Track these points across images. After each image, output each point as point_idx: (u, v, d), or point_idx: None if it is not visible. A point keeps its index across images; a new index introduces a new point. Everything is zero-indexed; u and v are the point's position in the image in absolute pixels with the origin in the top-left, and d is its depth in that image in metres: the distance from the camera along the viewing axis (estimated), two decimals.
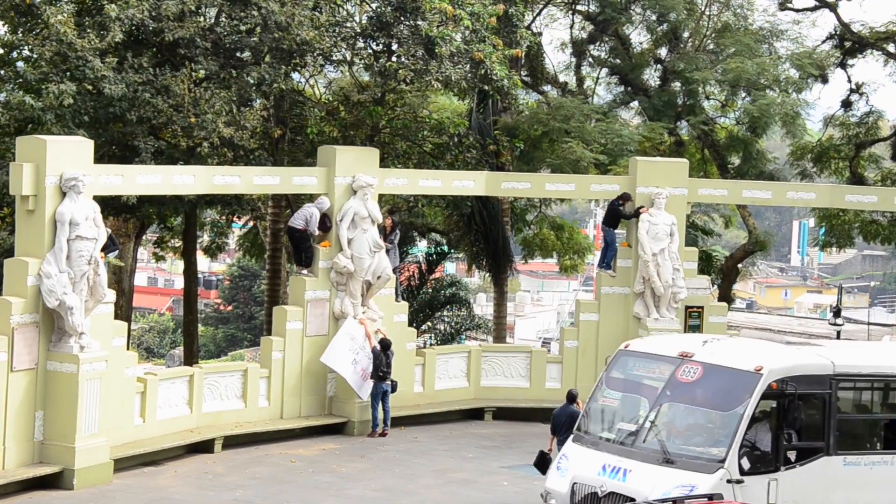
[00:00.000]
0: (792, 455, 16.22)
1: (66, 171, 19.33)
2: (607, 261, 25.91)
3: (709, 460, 15.71)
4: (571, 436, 17.28)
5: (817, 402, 16.56)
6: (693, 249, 26.88)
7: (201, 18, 24.13)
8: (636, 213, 25.22)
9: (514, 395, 25.64)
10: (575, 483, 16.37)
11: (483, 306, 58.14)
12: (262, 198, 29.85)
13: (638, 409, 16.75)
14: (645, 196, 25.38)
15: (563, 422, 19.00)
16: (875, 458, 17.10)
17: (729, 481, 15.50)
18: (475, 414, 25.26)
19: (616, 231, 25.92)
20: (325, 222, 23.34)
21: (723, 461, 15.62)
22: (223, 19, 24.12)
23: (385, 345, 22.98)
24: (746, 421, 15.79)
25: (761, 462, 15.91)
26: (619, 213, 25.49)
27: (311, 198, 24.36)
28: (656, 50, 33.08)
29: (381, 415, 23.09)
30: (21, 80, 23.02)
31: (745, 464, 15.74)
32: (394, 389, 23.12)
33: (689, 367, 16.51)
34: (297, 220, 23.40)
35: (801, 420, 16.05)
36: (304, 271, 23.45)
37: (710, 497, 14.67)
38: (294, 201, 27.44)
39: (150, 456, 20.61)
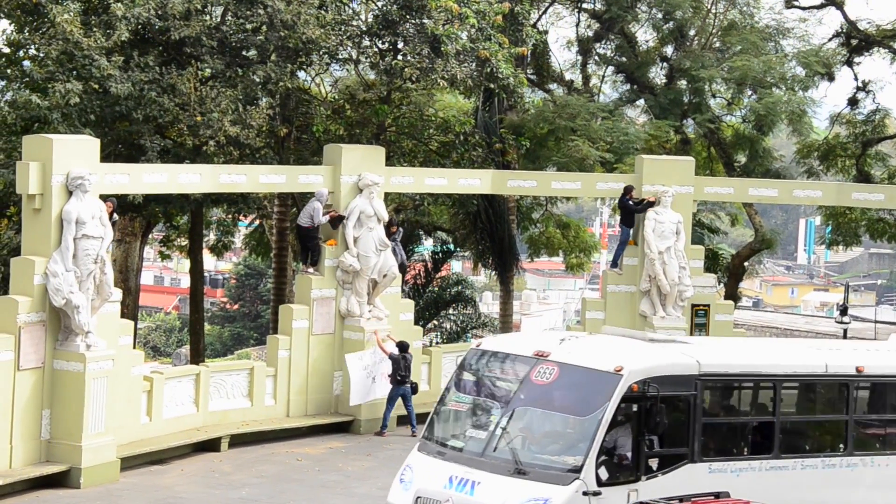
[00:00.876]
0: (654, 463, 14.96)
1: (73, 169, 19.34)
2: (616, 259, 25.98)
3: (564, 470, 14.35)
4: (417, 444, 15.89)
5: (681, 404, 15.30)
6: (699, 247, 26.85)
7: (207, 17, 24.15)
8: (644, 204, 25.05)
9: None
10: (419, 497, 15.00)
11: (489, 304, 58.15)
12: (269, 196, 29.88)
13: (489, 414, 15.29)
14: (651, 194, 25.34)
15: None
16: (742, 464, 15.87)
17: (585, 493, 14.26)
18: None
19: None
20: (340, 218, 23.22)
21: (579, 471, 14.28)
22: (229, 18, 24.13)
23: (403, 347, 22.88)
24: (605, 426, 14.44)
25: (621, 471, 14.65)
26: (631, 209, 25.37)
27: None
28: (662, 48, 33.07)
29: (391, 416, 23.04)
30: (27, 79, 23.04)
31: (604, 473, 14.44)
32: (414, 391, 23.04)
33: (545, 368, 15.11)
34: (303, 218, 23.42)
35: (664, 425, 14.72)
36: (311, 270, 23.46)
37: (717, 495, 14.65)
38: (300, 200, 27.43)
39: (156, 454, 20.63)
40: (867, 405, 17.32)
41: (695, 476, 15.15)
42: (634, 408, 14.75)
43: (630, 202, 25.31)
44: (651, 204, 25.07)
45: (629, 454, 14.69)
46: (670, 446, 15.10)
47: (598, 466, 14.38)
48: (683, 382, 15.25)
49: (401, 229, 25.19)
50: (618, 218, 31.58)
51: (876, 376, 17.12)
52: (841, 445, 16.72)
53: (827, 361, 16.70)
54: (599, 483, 14.37)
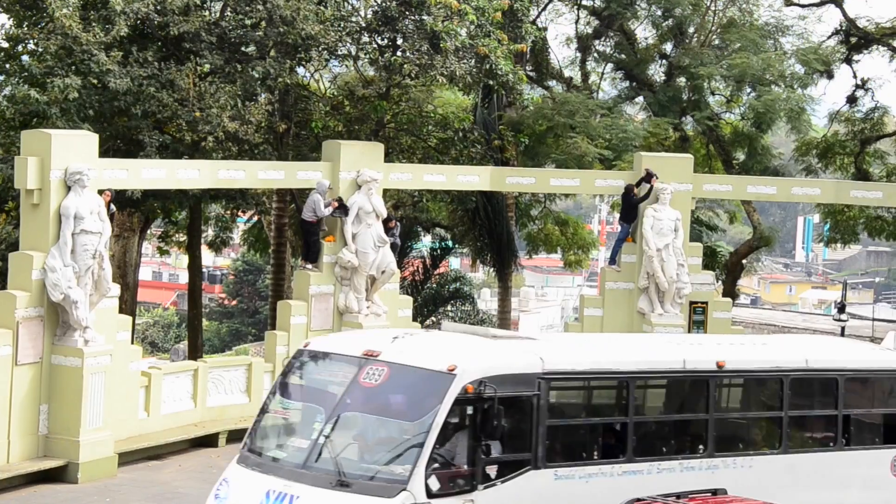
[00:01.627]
0: (492, 471, 13.57)
1: (71, 164, 19.34)
2: (615, 256, 25.99)
3: (390, 481, 12.98)
4: (236, 455, 14.40)
5: (523, 406, 13.96)
6: (697, 245, 26.86)
7: (206, 12, 24.14)
8: (647, 192, 24.98)
9: None
10: None
11: (487, 301, 58.17)
12: (267, 192, 29.87)
13: (313, 421, 13.88)
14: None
15: None
16: (592, 469, 14.62)
17: None
18: None
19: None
20: (342, 206, 23.19)
21: (406, 482, 12.92)
22: (228, 13, 24.12)
23: None
24: (436, 432, 13.06)
25: (455, 481, 13.29)
26: (635, 202, 25.27)
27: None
28: (661, 45, 33.06)
29: None
30: (26, 73, 23.03)
31: (434, 484, 13.06)
32: None
33: (374, 369, 13.72)
34: (306, 213, 23.38)
35: (504, 428, 13.41)
36: (309, 266, 23.46)
37: (714, 492, 14.65)
38: (298, 196, 27.43)
39: (154, 450, 20.64)
40: (730, 403, 16.40)
41: (539, 483, 14.01)
42: (470, 410, 13.43)
43: (633, 197, 25.25)
44: (650, 177, 24.87)
45: (464, 462, 13.40)
46: (511, 452, 13.80)
47: (427, 476, 13.01)
48: (525, 382, 13.97)
49: (398, 224, 25.19)
50: (616, 215, 31.58)
51: (739, 371, 16.08)
52: (701, 446, 15.56)
53: (685, 357, 15.65)
54: (430, 494, 13.03)
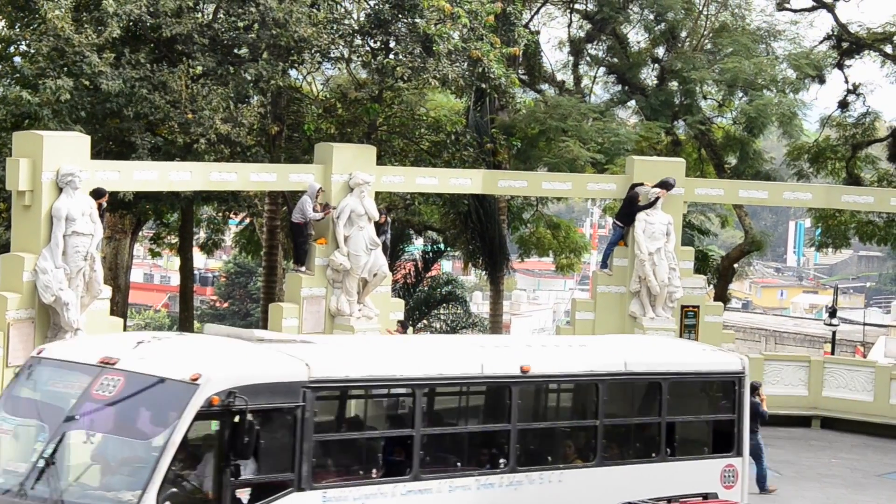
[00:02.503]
0: (244, 494, 12.02)
1: (63, 166, 19.32)
2: (606, 259, 26.02)
3: None
4: None
5: (285, 419, 12.45)
6: (689, 249, 26.89)
7: (199, 14, 24.12)
8: (664, 187, 25.01)
9: None
10: None
11: (479, 304, 58.21)
12: (259, 195, 29.85)
13: (36, 439, 12.17)
14: (641, 195, 25.37)
15: None
16: (370, 489, 13.10)
17: None
18: None
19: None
20: (327, 206, 23.20)
21: None
22: (221, 15, 24.10)
23: (405, 325, 23.59)
24: (172, 451, 11.44)
25: None
26: (637, 209, 25.23)
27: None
28: (654, 49, 33.10)
29: None
30: (18, 75, 23.01)
31: None
32: None
33: (109, 379, 11.99)
34: (295, 215, 23.40)
35: (258, 445, 11.86)
36: (303, 269, 23.46)
37: (705, 496, 14.67)
38: (290, 198, 27.42)
39: None
40: (537, 411, 15.14)
41: None
42: (216, 426, 11.90)
43: (637, 204, 25.14)
44: (667, 186, 24.91)
45: (209, 486, 11.78)
46: (269, 472, 12.26)
47: (161, 502, 11.38)
48: (286, 391, 12.40)
49: (389, 220, 25.15)
50: (608, 219, 31.59)
51: (547, 377, 14.89)
52: (502, 461, 14.21)
53: (483, 361, 14.29)
54: None
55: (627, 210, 25.42)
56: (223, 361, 12.46)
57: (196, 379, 11.84)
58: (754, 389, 20.43)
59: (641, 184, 25.17)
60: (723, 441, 16.16)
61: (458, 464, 14.02)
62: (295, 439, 12.47)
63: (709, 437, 16.22)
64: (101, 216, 20.15)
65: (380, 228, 23.92)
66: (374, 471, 13.51)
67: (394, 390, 13.91)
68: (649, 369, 15.69)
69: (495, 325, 33.06)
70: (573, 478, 14.73)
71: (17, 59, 24.12)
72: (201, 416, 11.74)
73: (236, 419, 11.80)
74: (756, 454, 20.23)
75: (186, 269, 30.48)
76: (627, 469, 15.32)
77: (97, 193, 19.96)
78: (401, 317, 24.66)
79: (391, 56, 24.57)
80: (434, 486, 13.57)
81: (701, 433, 16.28)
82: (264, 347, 13.20)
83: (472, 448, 14.37)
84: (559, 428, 15.27)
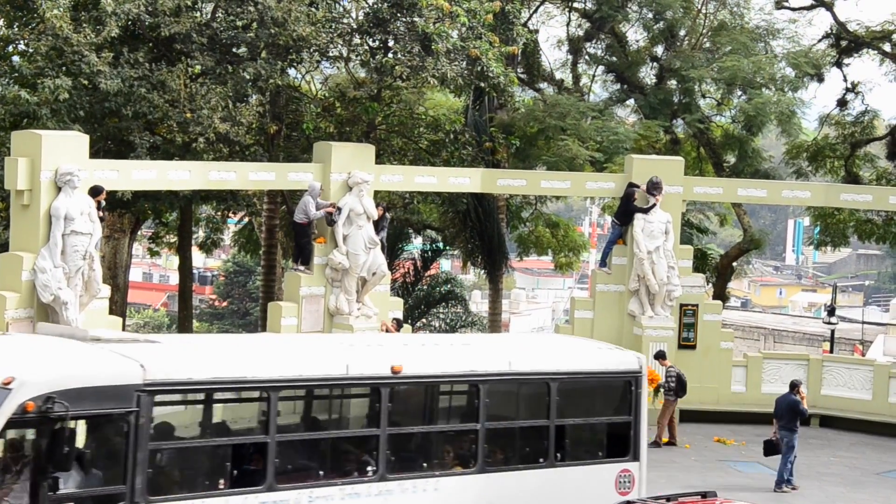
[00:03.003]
0: None
1: (62, 165, 19.31)
2: (605, 258, 26.05)
3: None
4: None
5: (115, 426, 11.50)
6: (688, 247, 26.90)
7: (197, 14, 24.11)
8: (652, 193, 25.05)
9: None
10: None
11: (478, 303, 58.17)
12: (258, 194, 29.85)
13: None
14: (640, 194, 25.40)
15: (782, 409, 20.32)
16: (215, 501, 12.22)
17: None
18: None
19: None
20: (332, 217, 23.19)
21: None
22: (219, 15, 24.10)
23: (400, 324, 23.50)
24: None
25: None
26: (633, 210, 25.29)
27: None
28: (652, 48, 33.10)
29: None
30: (16, 74, 22.99)
31: None
32: None
33: None
34: (297, 215, 23.38)
35: (84, 456, 11.02)
36: (302, 268, 23.46)
37: (704, 495, 14.64)
38: (289, 197, 27.44)
39: None
40: (411, 415, 14.22)
41: None
42: (31, 434, 10.93)
43: (633, 203, 25.19)
44: (657, 184, 24.97)
45: (24, 500, 10.84)
46: (97, 485, 11.26)
47: None
48: (117, 396, 11.41)
49: (388, 215, 25.12)
50: (607, 217, 31.61)
51: (421, 377, 13.99)
52: (371, 468, 13.36)
53: (349, 361, 13.41)
54: None
55: (624, 208, 25.44)
56: (43, 363, 11.52)
57: (8, 383, 10.92)
58: (794, 387, 20.64)
59: (637, 185, 25.19)
60: (618, 445, 15.30)
61: (321, 472, 13.08)
62: (127, 448, 11.51)
63: (603, 441, 15.40)
64: (101, 213, 20.19)
65: (378, 224, 23.93)
66: (222, 482, 12.39)
67: (245, 393, 12.82)
68: (536, 369, 14.86)
69: (494, 323, 33.06)
70: (451, 486, 13.82)
71: (16, 58, 24.12)
72: (14, 423, 10.81)
73: (55, 427, 10.86)
74: (785, 451, 20.41)
75: (185, 268, 30.49)
76: (512, 476, 14.40)
77: (95, 191, 19.97)
78: (399, 315, 24.66)
79: (390, 55, 24.57)
80: (292, 496, 12.64)
81: (594, 437, 15.45)
82: (97, 348, 12.22)
83: (337, 455, 13.40)
84: (436, 433, 14.32)
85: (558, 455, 14.72)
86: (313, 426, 13.60)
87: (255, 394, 12.80)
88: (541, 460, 14.67)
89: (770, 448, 20.36)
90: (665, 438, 23.19)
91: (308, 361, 13.47)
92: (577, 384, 15.21)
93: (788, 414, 20.31)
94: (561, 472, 14.73)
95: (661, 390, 23.17)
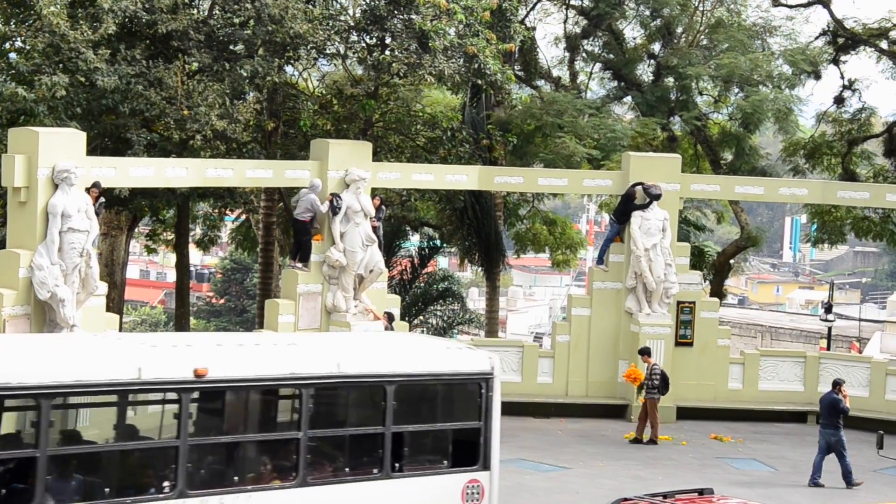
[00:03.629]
0: None
1: (59, 162, 19.30)
2: (602, 255, 26.07)
3: None
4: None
5: None
6: (685, 245, 26.91)
7: (195, 11, 24.11)
8: (651, 196, 25.09)
9: (505, 390, 25.23)
10: None
11: (475, 301, 58.18)
12: (255, 191, 29.85)
13: None
14: (639, 192, 25.39)
15: (824, 407, 20.56)
16: None
17: None
18: None
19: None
20: (334, 203, 23.15)
21: None
22: (216, 12, 24.09)
23: (391, 318, 23.43)
24: None
25: None
26: (631, 208, 25.27)
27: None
28: (650, 45, 33.11)
29: None
30: (13, 71, 22.97)
31: None
32: None
33: None
34: (302, 213, 23.26)
35: None
36: (300, 265, 23.47)
37: (701, 492, 14.62)
38: (287, 194, 27.44)
39: None
40: (220, 423, 12.91)
41: None
42: None
43: (633, 203, 25.18)
44: (654, 196, 24.99)
45: None
46: None
47: None
48: None
49: (384, 208, 25.11)
50: (604, 215, 31.61)
51: (231, 382, 12.69)
52: (167, 483, 12.10)
53: (142, 364, 12.03)
54: None
55: (623, 207, 25.46)
56: None
57: None
58: (836, 385, 20.73)
59: (641, 183, 25.18)
60: (466, 453, 14.13)
61: (107, 490, 11.75)
62: None
63: (448, 449, 14.14)
64: (99, 210, 20.17)
65: (376, 212, 23.92)
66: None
67: (10, 402, 11.32)
68: (371, 371, 13.66)
69: (491, 321, 33.07)
70: (267, 501, 12.67)
71: (13, 55, 24.09)
72: None
73: None
74: (839, 450, 20.55)
75: (182, 265, 30.46)
76: (340, 489, 13.24)
77: (94, 186, 19.99)
78: (397, 312, 24.65)
79: (387, 52, 24.57)
80: None
81: (438, 445, 14.20)
82: None
83: (128, 470, 12.12)
84: (248, 443, 12.93)
85: (395, 465, 13.55)
86: (98, 438, 12.18)
87: (18, 402, 11.36)
88: (375, 471, 13.47)
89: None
90: (646, 436, 23.10)
91: (90, 365, 12.00)
92: (419, 387, 14.08)
93: (829, 412, 20.53)
94: (398, 483, 13.57)
95: (644, 388, 23.05)
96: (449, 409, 14.54)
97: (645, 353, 23.42)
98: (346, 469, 13.44)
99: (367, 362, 13.83)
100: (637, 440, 22.98)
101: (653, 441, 22.90)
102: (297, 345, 14.49)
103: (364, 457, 13.61)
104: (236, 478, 12.61)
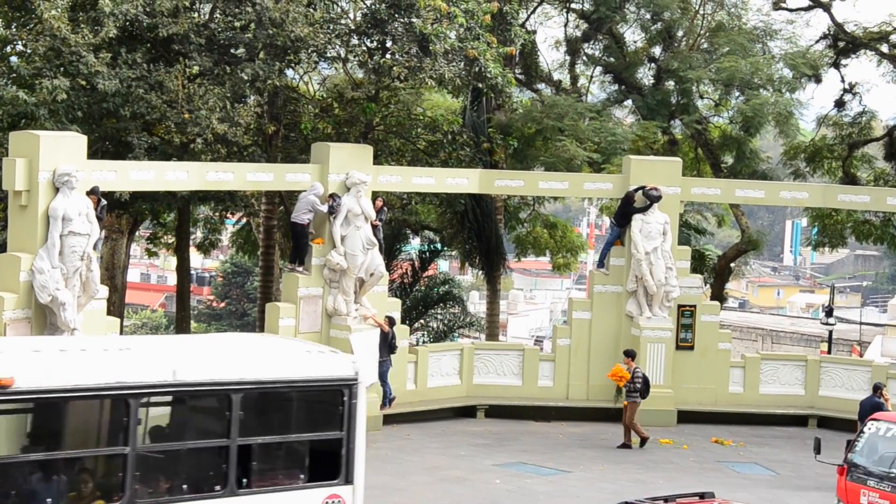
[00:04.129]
0: None
1: (60, 166, 19.31)
2: (603, 259, 26.07)
3: None
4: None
5: None
6: (686, 248, 26.93)
7: (195, 14, 24.11)
8: (650, 199, 25.09)
9: (506, 393, 25.66)
10: None
11: (476, 304, 58.16)
12: (256, 194, 29.86)
13: None
14: (639, 196, 25.40)
15: (865, 411, 20.24)
16: None
17: None
18: (467, 412, 25.27)
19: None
20: (333, 201, 23.18)
21: None
22: (217, 15, 24.10)
23: (392, 322, 23.55)
24: None
25: None
26: (632, 212, 25.28)
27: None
28: (650, 49, 33.12)
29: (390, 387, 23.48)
30: (14, 75, 22.97)
31: None
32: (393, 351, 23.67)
33: None
34: (300, 215, 23.26)
35: None
36: (300, 269, 23.46)
37: (702, 496, 14.62)
38: (287, 198, 27.44)
39: None
40: (30, 437, 11.79)
41: None
42: None
43: (632, 206, 25.20)
44: (655, 198, 25.00)
45: None
46: None
47: None
48: None
49: (386, 209, 25.13)
50: (605, 219, 31.62)
51: (41, 392, 11.45)
52: None
53: None
54: None
55: (623, 210, 25.47)
56: None
57: None
58: (877, 389, 20.75)
59: (642, 187, 25.19)
60: (326, 466, 13.12)
61: None
62: None
63: (305, 462, 13.09)
64: (102, 214, 20.18)
65: (377, 212, 23.94)
66: None
67: None
68: (212, 378, 12.54)
69: (492, 324, 33.06)
70: None
71: (14, 58, 24.09)
72: None
73: None
74: None
75: (183, 268, 30.47)
76: None
77: (92, 192, 20.00)
78: (398, 316, 24.64)
79: (388, 56, 24.57)
80: None
81: (294, 457, 13.16)
82: None
83: None
84: (63, 460, 11.67)
85: (243, 481, 12.50)
86: None
87: None
88: (217, 488, 12.38)
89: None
90: (635, 440, 23.07)
91: None
92: (272, 395, 12.99)
93: (869, 416, 20.40)
94: (244, 500, 12.53)
95: (625, 390, 22.97)
96: (306, 419, 13.43)
97: (629, 355, 23.33)
98: (185, 486, 12.33)
99: (208, 369, 12.68)
100: (625, 445, 22.90)
101: (626, 445, 22.77)
102: (130, 350, 13.12)
103: (205, 472, 12.49)
104: (50, 499, 11.44)
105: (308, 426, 13.35)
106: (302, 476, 13.07)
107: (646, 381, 23.14)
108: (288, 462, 13.14)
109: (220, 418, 12.51)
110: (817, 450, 17.31)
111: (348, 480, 13.26)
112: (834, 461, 17.03)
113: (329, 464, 13.13)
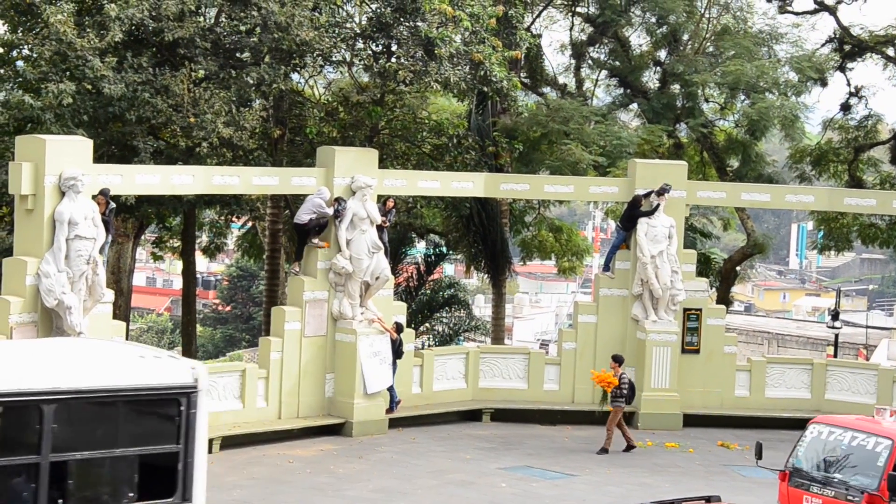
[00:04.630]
0: None
1: (66, 170, 19.34)
2: (609, 262, 26.08)
3: None
4: None
5: None
6: (692, 252, 26.89)
7: (201, 18, 24.14)
8: (660, 193, 25.09)
9: (512, 397, 25.65)
10: None
11: (481, 308, 58.17)
12: (261, 198, 29.88)
13: None
14: (644, 202, 25.39)
15: None
16: None
17: None
18: (473, 415, 25.27)
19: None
20: (339, 205, 23.20)
21: None
22: (223, 19, 24.14)
23: (399, 328, 23.64)
24: None
25: None
26: (638, 215, 25.27)
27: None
28: (656, 52, 33.14)
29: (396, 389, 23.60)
30: (21, 79, 23.03)
31: None
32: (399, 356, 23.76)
33: None
34: (302, 216, 23.29)
35: None
36: (297, 269, 23.52)
37: (708, 499, 14.61)
38: (293, 202, 27.46)
39: None
40: None
41: None
42: None
43: (639, 209, 25.19)
44: (663, 191, 24.98)
45: None
46: None
47: None
48: None
49: (394, 210, 25.13)
50: (610, 222, 31.62)
51: None
52: None
53: None
54: None
55: (629, 213, 25.46)
56: None
57: None
58: None
59: (650, 192, 25.18)
60: (160, 482, 11.88)
61: None
62: None
63: (134, 479, 11.74)
64: (109, 217, 20.21)
65: (387, 213, 23.95)
66: None
67: None
68: (15, 388, 11.11)
69: (497, 328, 33.06)
70: None
71: (20, 63, 24.14)
72: None
73: None
74: None
75: (189, 272, 30.49)
76: None
77: (101, 194, 20.06)
78: (403, 320, 24.64)
79: (393, 59, 24.59)
80: None
81: (120, 474, 11.76)
82: None
83: None
84: None
85: (58, 502, 11.22)
86: None
87: None
88: None
89: None
90: (640, 444, 23.01)
91: None
92: (93, 405, 11.64)
93: None
94: None
95: (610, 396, 22.87)
96: (136, 431, 12.02)
97: (618, 360, 23.23)
98: None
99: (10, 377, 11.22)
100: (630, 447, 22.85)
101: (604, 450, 22.69)
102: None
103: (10, 493, 11.11)
104: None
105: (138, 439, 11.93)
106: (131, 494, 11.72)
107: (632, 387, 23.11)
108: (113, 479, 11.77)
109: (28, 433, 11.11)
110: (759, 455, 16.90)
111: (185, 498, 12.04)
112: (776, 467, 16.81)
113: (164, 480, 11.91)
